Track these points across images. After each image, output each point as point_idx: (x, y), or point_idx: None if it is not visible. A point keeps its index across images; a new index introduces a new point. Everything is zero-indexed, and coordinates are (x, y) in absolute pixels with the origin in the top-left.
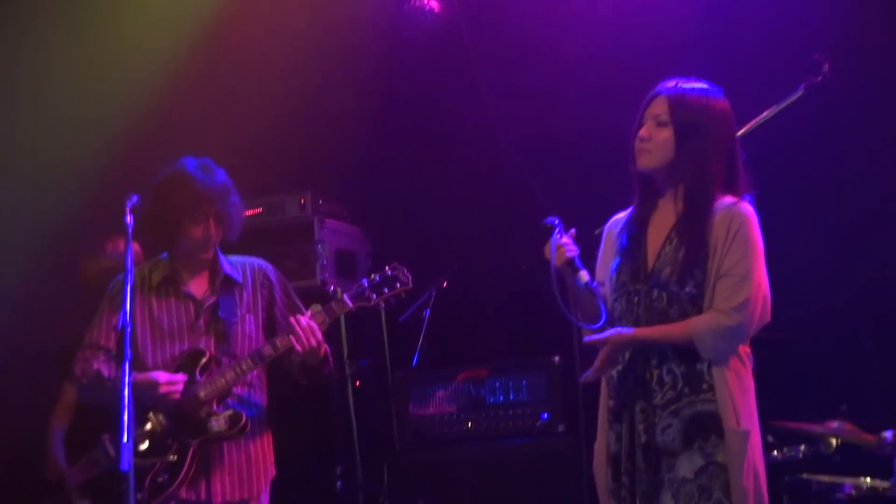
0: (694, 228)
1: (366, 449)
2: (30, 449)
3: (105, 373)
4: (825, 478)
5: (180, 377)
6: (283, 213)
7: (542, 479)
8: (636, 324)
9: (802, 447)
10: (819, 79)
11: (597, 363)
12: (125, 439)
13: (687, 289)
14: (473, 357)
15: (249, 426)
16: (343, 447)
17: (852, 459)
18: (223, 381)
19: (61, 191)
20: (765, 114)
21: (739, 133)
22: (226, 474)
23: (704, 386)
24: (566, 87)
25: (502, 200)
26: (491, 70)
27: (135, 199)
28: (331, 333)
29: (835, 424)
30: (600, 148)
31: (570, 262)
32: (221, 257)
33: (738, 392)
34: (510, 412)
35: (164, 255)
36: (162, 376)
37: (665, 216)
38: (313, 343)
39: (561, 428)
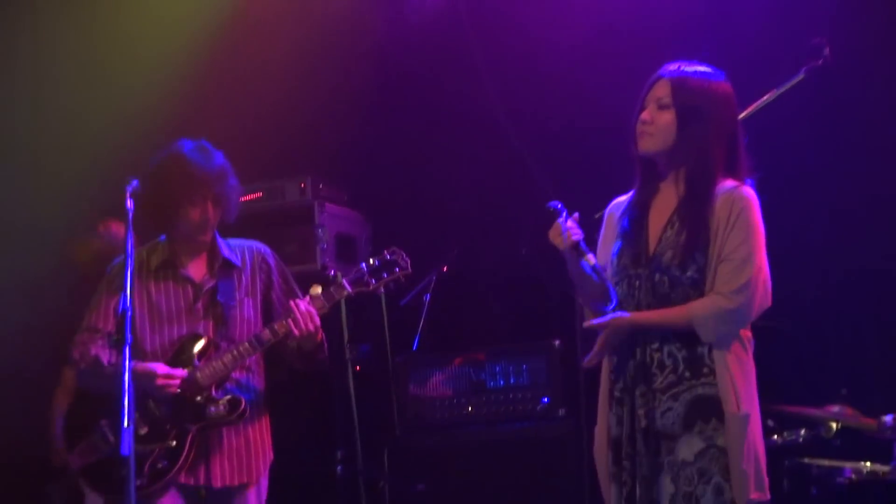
0: (695, 212)
1: (366, 434)
2: (33, 435)
3: (104, 359)
4: (825, 462)
5: (179, 372)
6: (284, 198)
7: (543, 464)
8: (637, 308)
9: (803, 431)
10: (820, 62)
11: (596, 347)
12: (126, 424)
13: (689, 273)
14: (474, 341)
15: (248, 411)
16: (343, 432)
17: (852, 443)
18: (222, 365)
19: (62, 178)
20: (765, 97)
21: (740, 117)
22: (225, 459)
23: (705, 370)
24: (566, 70)
25: (502, 184)
26: (491, 53)
27: (135, 183)
28: (331, 318)
29: (835, 408)
30: (600, 131)
31: (576, 245)
32: (220, 240)
33: (739, 376)
34: (510, 396)
35: (163, 237)
36: (161, 368)
37: (666, 200)
38: (311, 328)
39: (561, 412)
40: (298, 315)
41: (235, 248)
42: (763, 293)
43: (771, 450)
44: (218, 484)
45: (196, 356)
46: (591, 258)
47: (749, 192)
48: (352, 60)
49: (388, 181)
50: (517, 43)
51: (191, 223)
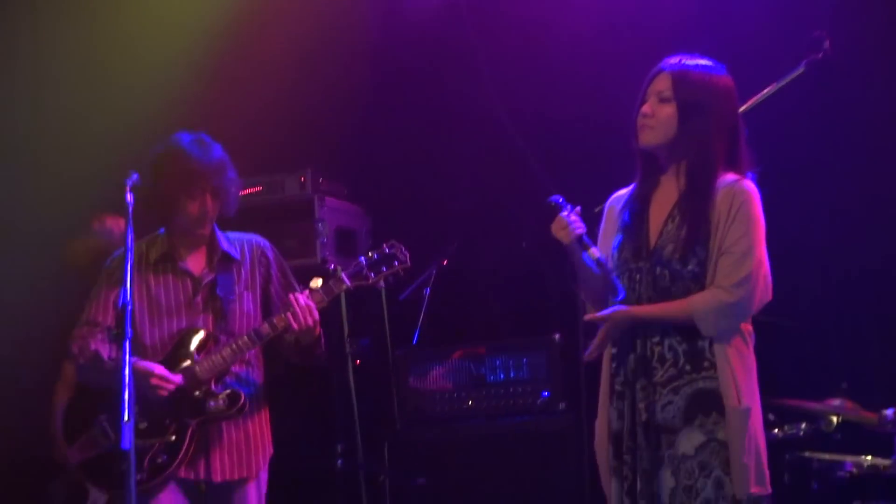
0: (696, 206)
1: (366, 428)
2: (35, 431)
3: (103, 353)
4: (826, 456)
5: (176, 378)
6: (283, 192)
7: (543, 458)
8: (638, 301)
9: (803, 425)
10: (820, 55)
11: (596, 340)
12: (126, 418)
13: (689, 267)
14: (474, 335)
15: (248, 405)
16: (343, 426)
17: (853, 437)
18: (221, 359)
19: (62, 177)
20: (765, 91)
21: (740, 110)
22: (225, 453)
23: (706, 363)
24: (566, 63)
25: (502, 178)
26: (491, 48)
27: (134, 176)
28: (331, 312)
29: (836, 402)
30: (600, 125)
31: (580, 238)
32: (219, 234)
33: (739, 369)
34: (511, 390)
35: (162, 230)
36: (158, 369)
37: (667, 193)
38: (310, 322)
39: (561, 406)
40: (297, 309)
41: (234, 242)
42: (763, 287)
43: (771, 444)
44: (218, 478)
45: (195, 350)
46: (594, 251)
47: (750, 185)
48: (352, 55)
49: (389, 175)
50: (517, 37)
51: (189, 216)
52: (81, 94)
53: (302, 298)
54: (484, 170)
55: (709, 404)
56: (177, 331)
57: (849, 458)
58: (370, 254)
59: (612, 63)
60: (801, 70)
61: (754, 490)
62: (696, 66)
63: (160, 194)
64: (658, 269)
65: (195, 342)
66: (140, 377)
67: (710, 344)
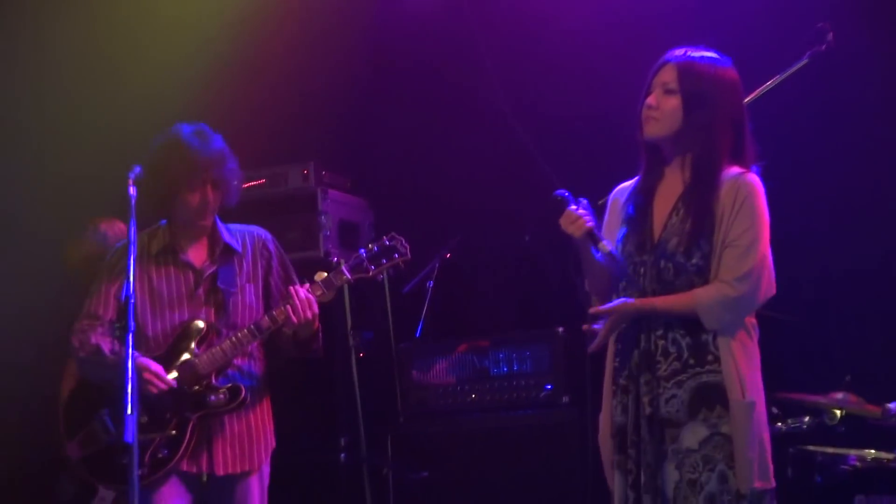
0: (701, 199)
1: (369, 421)
2: (44, 426)
3: (104, 347)
4: (830, 449)
5: (170, 381)
6: (286, 184)
7: (546, 451)
8: (642, 294)
9: (807, 418)
10: (823, 47)
11: (601, 333)
12: (130, 411)
13: (694, 260)
14: (477, 328)
15: (249, 398)
16: (347, 419)
17: (857, 431)
18: (221, 353)
19: (65, 172)
20: (769, 83)
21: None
22: (227, 446)
23: (710, 357)
24: (568, 55)
25: (506, 171)
26: (495, 40)
27: (137, 169)
28: (334, 305)
29: (839, 396)
30: (603, 117)
31: (590, 232)
32: (220, 225)
33: (743, 363)
34: (514, 383)
35: (163, 222)
36: (153, 366)
37: (672, 186)
38: (309, 316)
39: (565, 399)
40: (297, 302)
41: (236, 234)
42: (767, 280)
43: (775, 437)
44: (220, 472)
45: (196, 343)
46: (606, 245)
47: (754, 178)
48: (355, 48)
49: (392, 168)
50: (520, 29)
51: (190, 208)
52: (84, 88)
53: (302, 291)
54: (487, 162)
55: (713, 398)
56: (178, 323)
57: (852, 452)
58: (370, 246)
59: (616, 55)
60: (804, 62)
61: (758, 484)
62: (702, 57)
63: (161, 186)
64: (662, 263)
65: (196, 335)
66: (135, 370)
67: (714, 337)
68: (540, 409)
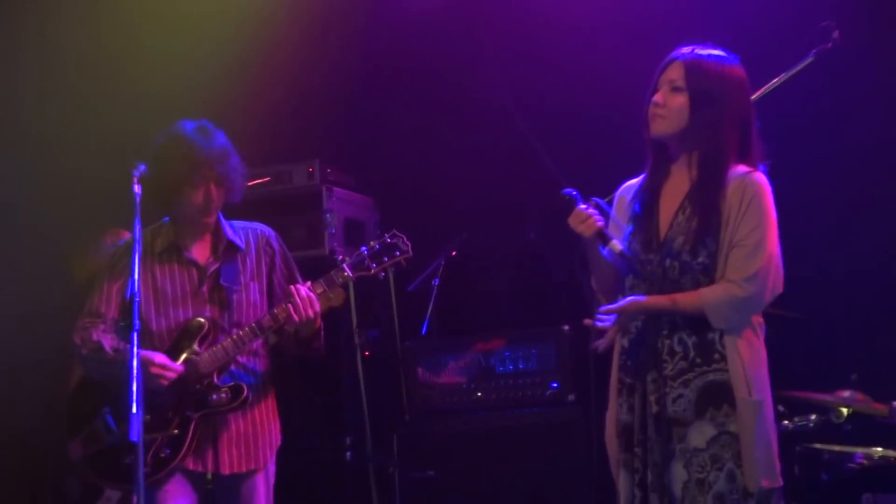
0: (707, 197)
1: (375, 419)
2: (51, 426)
3: (106, 345)
4: (836, 447)
5: (177, 367)
6: (292, 182)
7: (552, 449)
8: (648, 293)
9: (813, 417)
10: (829, 46)
11: (609, 332)
12: (135, 409)
13: (700, 259)
14: (483, 326)
15: (252, 396)
16: (352, 418)
17: (863, 429)
18: (222, 351)
19: (69, 168)
20: (774, 81)
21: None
22: (233, 446)
23: (716, 356)
24: (574, 53)
25: (511, 169)
26: (499, 38)
27: (142, 167)
28: None
29: (846, 394)
30: (609, 115)
31: (600, 231)
32: (224, 222)
33: (750, 362)
34: (520, 382)
35: (166, 219)
36: (158, 358)
37: (678, 184)
38: (310, 314)
39: (571, 397)
40: (298, 300)
41: (239, 231)
42: (775, 280)
43: (782, 435)
44: (226, 471)
45: (197, 341)
46: (616, 244)
47: (761, 177)
48: (359, 45)
49: (397, 166)
50: (524, 27)
51: (194, 205)
52: (88, 87)
53: (303, 290)
54: (492, 160)
55: (720, 397)
56: (184, 320)
57: (859, 450)
58: (372, 244)
59: (621, 52)
60: (809, 60)
61: (765, 483)
62: (709, 55)
63: (164, 184)
64: (668, 261)
65: (197, 333)
66: (141, 366)
67: (721, 336)
68: (546, 407)
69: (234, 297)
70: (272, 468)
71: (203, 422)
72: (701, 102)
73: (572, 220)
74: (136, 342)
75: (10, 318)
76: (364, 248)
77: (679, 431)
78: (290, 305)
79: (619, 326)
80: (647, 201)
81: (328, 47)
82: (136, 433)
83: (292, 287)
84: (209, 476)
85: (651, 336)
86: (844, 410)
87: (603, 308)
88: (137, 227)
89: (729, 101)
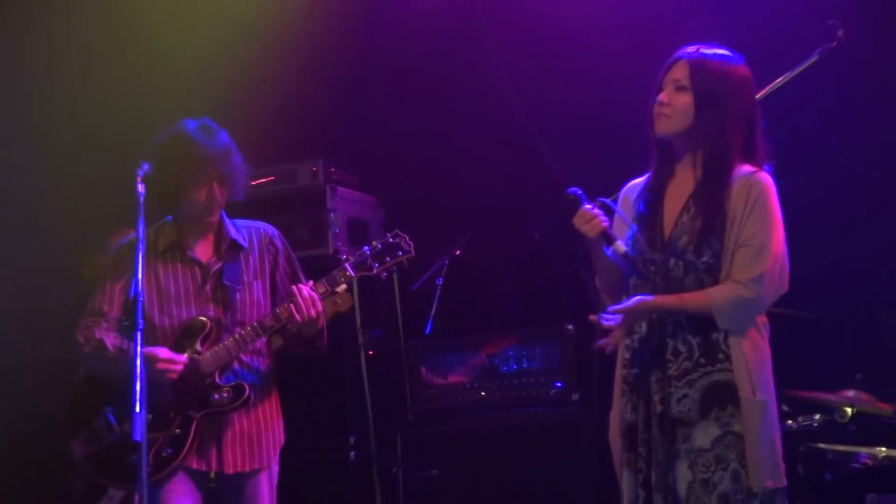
0: (712, 197)
1: (379, 419)
2: (55, 423)
3: (108, 343)
4: (840, 447)
5: (182, 358)
6: (295, 181)
7: (556, 448)
8: (653, 293)
9: (818, 416)
10: (834, 44)
11: (617, 332)
12: (139, 409)
13: (704, 258)
14: (487, 326)
15: (255, 395)
16: (356, 417)
17: (868, 429)
18: (225, 351)
19: (76, 167)
20: (778, 80)
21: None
22: (237, 445)
23: (721, 356)
24: (579, 53)
25: (515, 168)
26: (503, 37)
27: (146, 167)
28: None
29: (850, 394)
30: (614, 114)
31: (605, 232)
32: (227, 221)
33: (754, 362)
34: (524, 381)
35: (169, 218)
36: (163, 353)
37: (683, 183)
38: (313, 314)
39: (575, 397)
40: (300, 300)
41: (242, 229)
42: (779, 280)
43: (786, 435)
44: (230, 470)
45: (199, 341)
46: (621, 245)
47: (766, 177)
48: (364, 45)
49: (401, 165)
50: (529, 26)
51: (197, 204)
52: (95, 86)
53: (305, 289)
54: (496, 160)
55: (724, 397)
56: (187, 318)
57: (863, 450)
58: (374, 244)
59: (626, 52)
60: (814, 59)
61: (769, 483)
62: (714, 55)
63: (167, 183)
64: (672, 261)
65: (199, 333)
66: (146, 363)
67: (725, 336)
68: (550, 406)
69: (237, 296)
70: (276, 467)
71: (205, 421)
72: (706, 102)
73: (577, 220)
74: (139, 341)
75: (17, 315)
76: (366, 248)
77: (684, 431)
78: (291, 305)
79: (625, 326)
80: (652, 200)
81: (333, 47)
82: (139, 433)
83: (294, 287)
84: (212, 475)
85: (655, 336)
86: (849, 410)
87: (611, 308)
88: (141, 227)
89: (734, 100)
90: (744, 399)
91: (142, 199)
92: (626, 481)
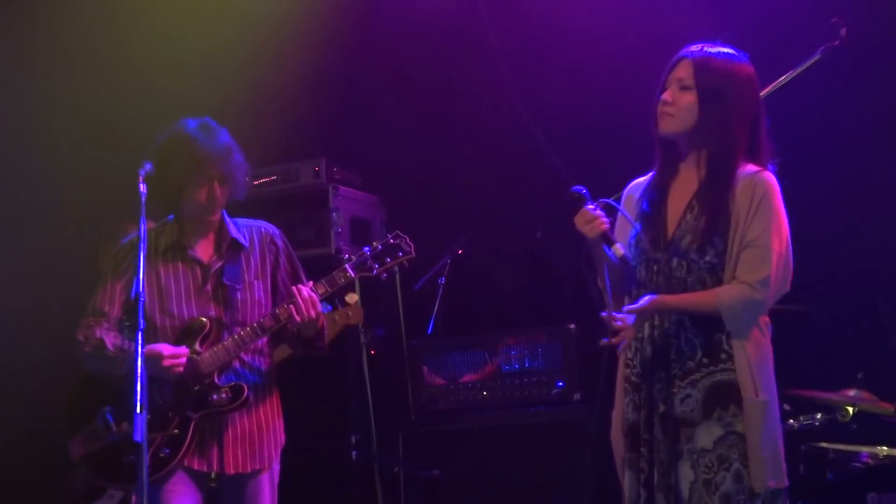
0: (715, 196)
1: (381, 418)
2: (56, 421)
3: (108, 343)
4: (842, 446)
5: (183, 350)
6: (298, 181)
7: (558, 448)
8: (656, 292)
9: (819, 416)
10: (837, 42)
11: (625, 331)
12: (139, 410)
13: (707, 258)
14: (489, 325)
15: (256, 395)
16: (358, 417)
17: (869, 428)
18: (224, 351)
19: (78, 166)
20: (782, 78)
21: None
22: (238, 446)
23: (723, 356)
24: (581, 52)
25: (517, 168)
26: (507, 36)
27: (148, 166)
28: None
29: (851, 393)
30: (616, 114)
31: (605, 233)
32: (228, 220)
33: (756, 362)
34: (526, 381)
35: (170, 217)
36: (166, 349)
37: (686, 183)
38: (312, 314)
39: (577, 396)
40: (300, 301)
41: (243, 228)
42: (783, 280)
43: (787, 434)
44: (231, 471)
45: (198, 341)
46: (619, 248)
47: (770, 177)
48: (366, 45)
49: (403, 164)
50: (532, 26)
51: (198, 204)
52: (98, 86)
53: (305, 290)
54: (498, 159)
55: (727, 397)
56: (188, 318)
57: (865, 449)
58: (375, 244)
59: (629, 51)
60: (817, 57)
61: (772, 483)
62: (718, 53)
63: (167, 182)
64: (675, 260)
65: (199, 333)
66: (150, 362)
67: (728, 336)
68: (552, 406)
69: (238, 295)
70: (277, 468)
71: (204, 422)
72: (709, 100)
73: (578, 220)
74: (140, 341)
75: (20, 314)
76: (367, 249)
77: (686, 432)
78: (291, 306)
79: (636, 326)
80: (655, 200)
81: (335, 46)
82: (139, 433)
83: (294, 288)
84: (213, 475)
85: (658, 336)
86: (850, 409)
87: (627, 308)
88: (143, 226)
89: (738, 99)
90: (746, 399)
91: (143, 198)
92: (627, 481)
